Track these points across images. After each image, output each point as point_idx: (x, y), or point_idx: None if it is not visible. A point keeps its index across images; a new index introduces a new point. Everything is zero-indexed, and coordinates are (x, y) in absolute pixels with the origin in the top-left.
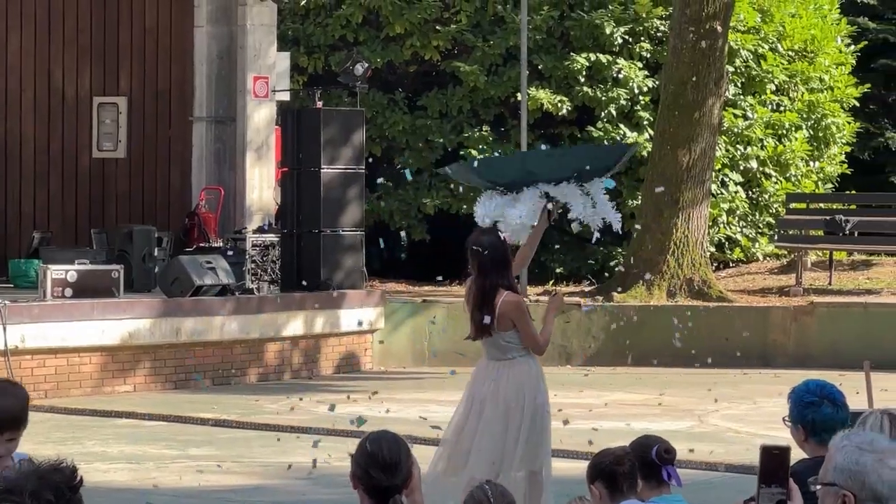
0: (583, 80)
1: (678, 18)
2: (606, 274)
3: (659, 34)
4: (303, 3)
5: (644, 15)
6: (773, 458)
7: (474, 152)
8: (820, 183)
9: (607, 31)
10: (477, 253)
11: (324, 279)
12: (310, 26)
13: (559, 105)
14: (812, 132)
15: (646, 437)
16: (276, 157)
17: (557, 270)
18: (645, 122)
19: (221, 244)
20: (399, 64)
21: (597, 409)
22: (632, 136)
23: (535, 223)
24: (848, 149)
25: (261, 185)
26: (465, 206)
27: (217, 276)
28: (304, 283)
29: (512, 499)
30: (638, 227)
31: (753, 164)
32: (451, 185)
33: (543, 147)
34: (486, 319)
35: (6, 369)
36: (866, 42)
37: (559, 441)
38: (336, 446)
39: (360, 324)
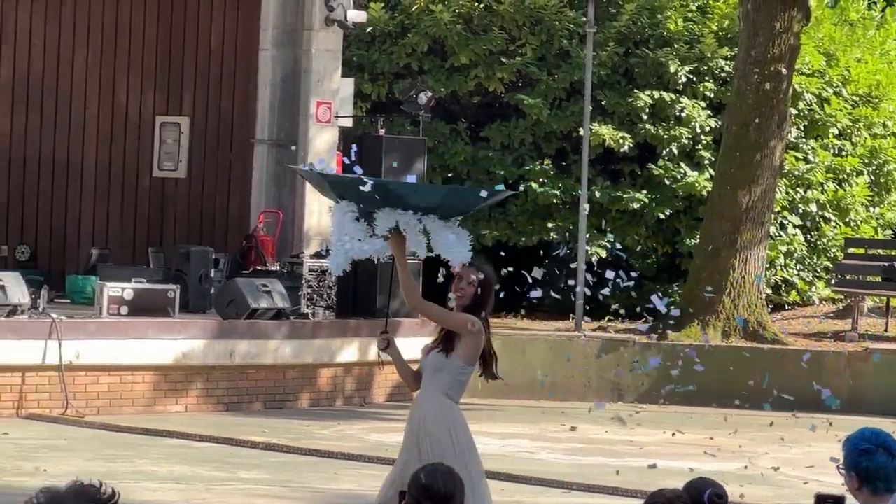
0: (645, 117)
1: (743, 59)
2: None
3: (723, 74)
4: (368, 30)
5: (709, 55)
6: None
7: (535, 185)
8: (879, 228)
9: (672, 69)
10: None
11: (379, 307)
12: (375, 53)
13: (621, 141)
14: (873, 178)
15: (700, 480)
16: None
17: (613, 307)
18: (706, 162)
19: (278, 268)
20: (463, 94)
21: (648, 447)
22: (693, 174)
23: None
24: None
25: (320, 210)
26: (523, 239)
27: (273, 300)
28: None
29: None
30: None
31: (813, 207)
32: (510, 218)
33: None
34: None
35: (60, 385)
36: None
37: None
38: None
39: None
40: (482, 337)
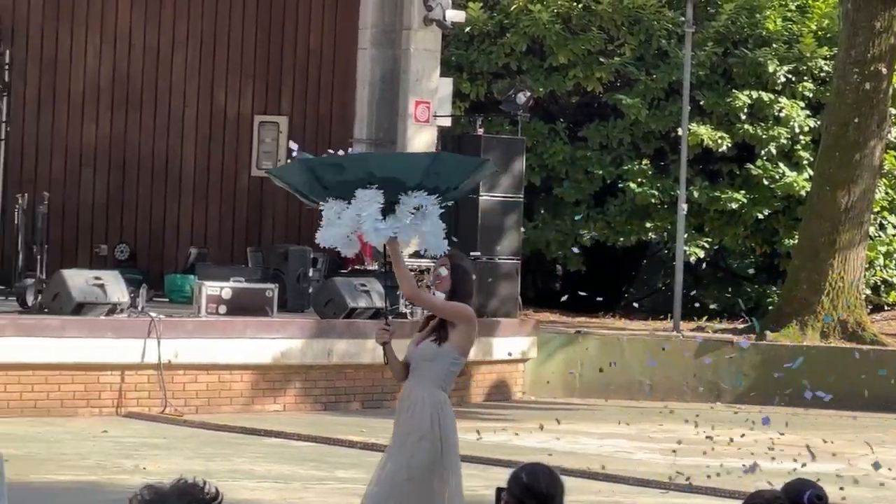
0: (744, 117)
1: (843, 59)
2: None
3: (822, 74)
4: (467, 29)
5: (808, 54)
6: None
7: (633, 185)
8: None
9: (770, 69)
10: None
11: (477, 307)
12: (473, 53)
13: (719, 141)
14: None
15: (799, 481)
16: None
17: (711, 307)
18: (805, 162)
19: (376, 267)
20: (561, 94)
21: (745, 447)
22: (791, 175)
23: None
24: None
25: None
26: (621, 239)
27: (371, 300)
28: None
29: None
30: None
31: None
32: (609, 218)
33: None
34: None
35: (159, 383)
36: None
37: (706, 478)
38: (480, 474)
39: (509, 354)
40: (476, 327)
